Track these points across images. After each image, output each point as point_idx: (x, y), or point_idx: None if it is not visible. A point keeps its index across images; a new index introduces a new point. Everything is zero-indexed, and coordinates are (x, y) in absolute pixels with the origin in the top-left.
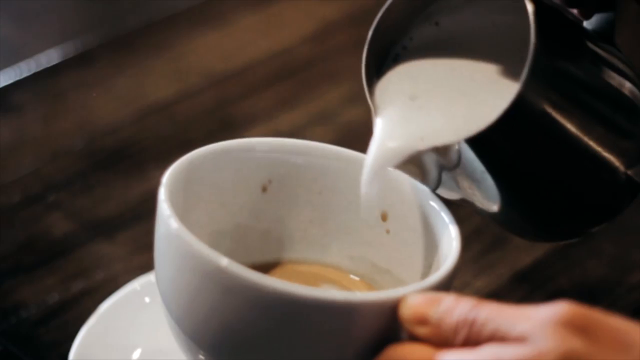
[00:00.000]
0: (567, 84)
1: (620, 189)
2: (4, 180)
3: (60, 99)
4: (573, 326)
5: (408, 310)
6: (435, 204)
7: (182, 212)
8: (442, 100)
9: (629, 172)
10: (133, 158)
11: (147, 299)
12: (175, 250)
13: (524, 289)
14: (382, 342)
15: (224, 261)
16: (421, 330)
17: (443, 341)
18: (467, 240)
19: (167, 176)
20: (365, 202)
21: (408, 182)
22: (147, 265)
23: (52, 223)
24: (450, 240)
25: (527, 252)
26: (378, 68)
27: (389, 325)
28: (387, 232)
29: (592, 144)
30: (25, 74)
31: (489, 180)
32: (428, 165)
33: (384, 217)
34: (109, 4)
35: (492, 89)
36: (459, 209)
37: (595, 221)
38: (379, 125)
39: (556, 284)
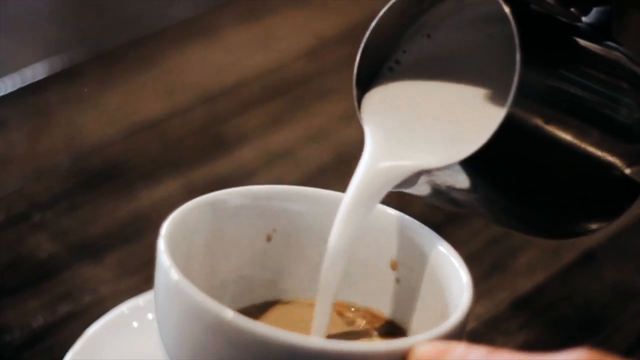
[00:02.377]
0: (560, 92)
1: (619, 189)
2: None
3: (46, 115)
4: None
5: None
6: (444, 249)
7: (183, 264)
8: (434, 120)
9: (628, 173)
10: (121, 177)
11: (135, 324)
12: (177, 304)
13: (525, 315)
14: None
15: (229, 314)
16: None
17: None
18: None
19: (166, 226)
20: (345, 235)
21: (415, 228)
22: (135, 289)
23: (37, 244)
24: (461, 286)
25: (527, 278)
26: (370, 82)
27: None
28: (397, 280)
29: (589, 148)
30: (10, 89)
31: (485, 193)
32: (420, 181)
33: (393, 266)
34: (97, 16)
35: (484, 106)
36: (456, 234)
37: (595, 222)
38: (369, 145)
39: (558, 310)
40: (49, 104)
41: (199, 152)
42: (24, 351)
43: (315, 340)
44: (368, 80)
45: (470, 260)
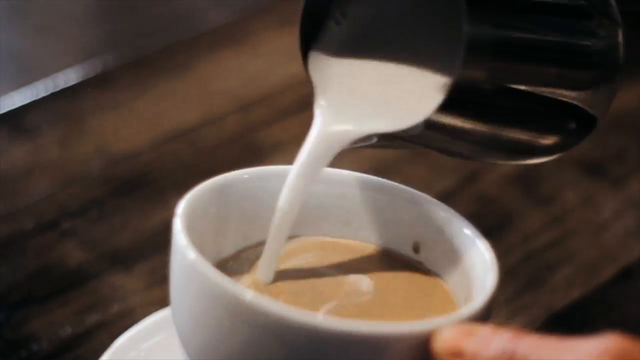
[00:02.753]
0: (510, 40)
1: (578, 119)
2: (17, 206)
3: (78, 121)
4: None
5: (441, 343)
6: (468, 230)
7: (200, 244)
8: (383, 79)
9: (582, 105)
10: (152, 185)
11: (164, 335)
12: (193, 285)
13: (561, 331)
14: None
15: (248, 295)
16: None
17: None
18: (501, 281)
19: (183, 205)
20: (292, 196)
21: (438, 208)
22: (165, 299)
23: (66, 252)
24: (485, 268)
25: (563, 294)
26: (316, 35)
27: (423, 358)
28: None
29: (546, 88)
30: (42, 94)
31: (443, 140)
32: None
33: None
34: (130, 22)
35: (435, 67)
36: (493, 249)
37: (555, 151)
38: (319, 108)
39: (594, 327)
40: (81, 109)
41: (232, 161)
42: None
43: (335, 321)
44: (314, 33)
45: (506, 276)
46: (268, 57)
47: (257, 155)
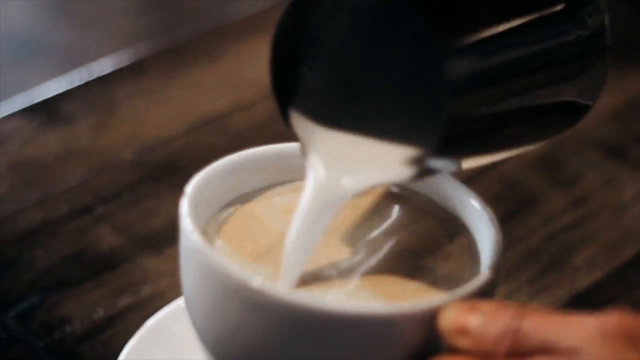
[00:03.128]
0: (493, 67)
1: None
2: (52, 191)
3: (111, 109)
4: (626, 337)
5: (447, 320)
6: (476, 204)
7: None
8: (373, 131)
9: (576, 97)
10: (184, 170)
11: None
12: (199, 269)
13: (583, 311)
14: (421, 354)
15: (256, 281)
16: (462, 342)
17: (485, 352)
18: (523, 262)
19: (190, 187)
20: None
21: (446, 182)
22: None
23: (99, 236)
24: (491, 244)
25: (585, 274)
26: (291, 83)
27: (429, 336)
28: None
29: (538, 96)
30: (76, 83)
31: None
32: None
33: None
34: (163, 12)
35: (420, 112)
36: (515, 230)
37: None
38: (315, 169)
39: (615, 306)
40: (114, 97)
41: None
42: (84, 342)
43: (344, 304)
44: (288, 82)
45: (529, 257)
46: None
47: (285, 140)
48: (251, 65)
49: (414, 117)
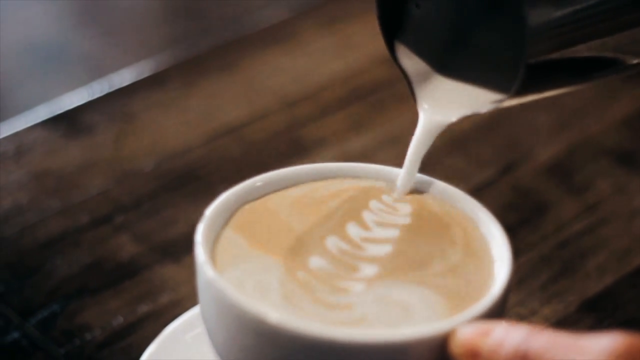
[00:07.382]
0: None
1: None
2: (73, 201)
3: (131, 119)
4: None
5: (458, 344)
6: (486, 216)
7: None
8: (471, 63)
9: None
10: (202, 180)
11: None
12: (217, 305)
13: (593, 317)
14: None
15: (273, 316)
16: None
17: None
18: (535, 268)
19: (205, 217)
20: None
21: (458, 196)
22: None
23: (119, 245)
24: (502, 262)
25: (596, 280)
26: (398, 21)
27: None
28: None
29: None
30: (97, 94)
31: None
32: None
33: None
34: (181, 25)
35: (507, 45)
36: (527, 237)
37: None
38: (422, 97)
39: (626, 312)
40: (134, 108)
41: (279, 156)
42: (104, 349)
43: (357, 333)
44: (395, 19)
45: (541, 263)
46: (313, 55)
47: (302, 150)
48: (269, 76)
49: (500, 56)
